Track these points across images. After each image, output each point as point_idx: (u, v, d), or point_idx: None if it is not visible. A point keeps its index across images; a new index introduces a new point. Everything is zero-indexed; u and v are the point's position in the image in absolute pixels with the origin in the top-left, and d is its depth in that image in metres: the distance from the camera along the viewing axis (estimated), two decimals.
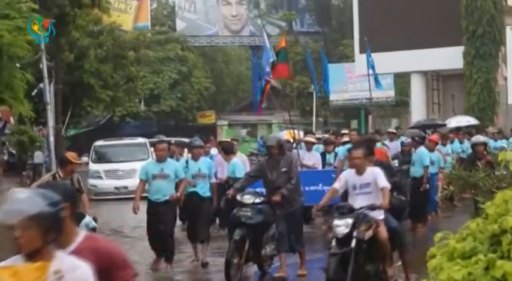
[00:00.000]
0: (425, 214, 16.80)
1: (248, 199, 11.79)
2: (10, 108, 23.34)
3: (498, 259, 3.49)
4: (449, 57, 33.24)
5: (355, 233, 9.44)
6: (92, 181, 27.93)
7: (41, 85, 27.07)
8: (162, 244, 12.90)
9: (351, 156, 10.38)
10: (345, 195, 10.92)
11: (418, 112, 36.02)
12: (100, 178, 28.26)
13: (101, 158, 29.46)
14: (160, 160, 12.93)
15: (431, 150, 17.64)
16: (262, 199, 11.79)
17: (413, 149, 17.03)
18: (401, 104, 47.53)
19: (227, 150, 16.73)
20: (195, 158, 13.68)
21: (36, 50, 24.73)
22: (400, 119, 45.81)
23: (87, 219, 11.51)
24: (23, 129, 38.68)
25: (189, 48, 58.61)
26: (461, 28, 33.13)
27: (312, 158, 17.53)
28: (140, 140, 31.27)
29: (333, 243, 9.57)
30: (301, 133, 23.13)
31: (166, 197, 12.58)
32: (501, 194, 3.84)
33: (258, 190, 17.13)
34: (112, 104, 41.18)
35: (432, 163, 17.31)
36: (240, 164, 16.05)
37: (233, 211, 11.91)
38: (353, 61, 39.87)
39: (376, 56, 35.19)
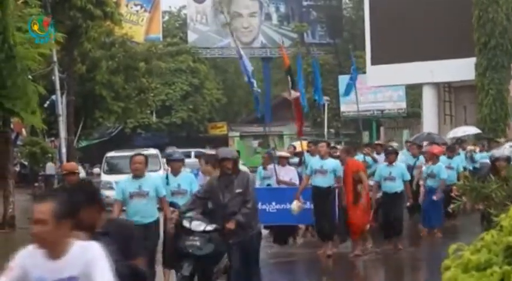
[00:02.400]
0: (400, 232, 15.61)
1: (197, 225, 9.92)
2: (22, 120, 23.42)
3: None
4: (461, 69, 33.19)
5: None
6: (103, 192, 27.94)
7: (53, 97, 27.21)
8: None
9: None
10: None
11: (429, 124, 35.95)
12: (112, 188, 28.14)
13: (112, 169, 29.45)
14: (136, 175, 11.02)
15: (432, 162, 17.08)
16: (214, 226, 9.88)
17: (387, 163, 15.79)
18: (413, 115, 47.48)
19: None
20: (175, 172, 12.08)
21: (49, 62, 24.86)
22: (412, 130, 45.71)
23: None
24: (35, 140, 38.80)
25: (200, 60, 58.75)
26: (473, 40, 33.10)
27: (288, 173, 16.34)
28: (152, 151, 31.30)
29: None
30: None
31: (150, 220, 10.85)
32: None
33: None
34: (124, 115, 41.27)
35: (433, 176, 16.80)
36: None
37: (179, 241, 10.08)
38: (364, 73, 39.82)
39: (388, 68, 35.32)
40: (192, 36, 59.75)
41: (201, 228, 9.83)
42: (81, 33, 30.85)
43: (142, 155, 11.44)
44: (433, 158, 17.22)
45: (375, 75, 36.73)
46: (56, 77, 25.53)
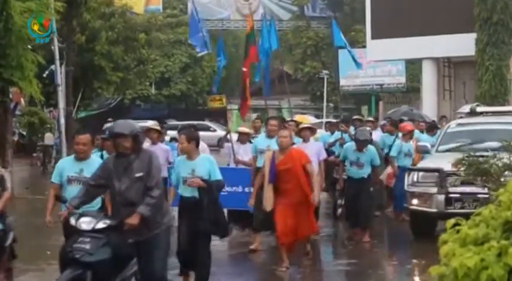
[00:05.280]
0: (370, 218, 14.50)
1: (86, 223, 7.86)
2: (20, 90, 23.40)
3: (511, 246, 3.48)
4: (461, 44, 33.09)
5: None
6: None
7: (52, 67, 27.11)
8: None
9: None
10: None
11: (429, 99, 35.92)
12: None
13: None
14: (80, 157, 9.25)
15: (405, 140, 16.10)
16: (108, 222, 7.89)
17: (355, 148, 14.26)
18: (412, 90, 47.46)
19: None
20: (110, 152, 10.19)
21: None
22: (411, 105, 45.76)
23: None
24: (34, 110, 38.80)
25: None
26: (474, 15, 32.98)
27: (248, 153, 14.15)
28: (151, 123, 31.32)
29: None
30: (312, 118, 22.81)
31: (92, 209, 8.68)
32: None
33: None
34: (122, 86, 41.24)
35: (410, 155, 15.95)
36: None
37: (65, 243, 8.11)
38: (364, 47, 39.73)
39: (388, 42, 35.21)
40: (192, 8, 59.55)
41: (91, 226, 7.83)
42: (81, 3, 30.71)
43: (88, 133, 9.56)
44: (407, 135, 16.26)
45: (375, 49, 36.62)
46: (55, 47, 25.42)
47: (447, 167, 12.94)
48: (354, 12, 55.02)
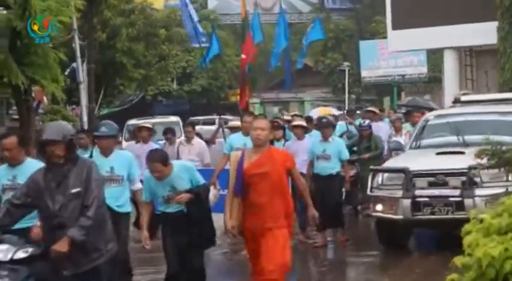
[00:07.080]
0: (342, 218, 13.22)
1: (4, 252, 6.67)
2: (42, 88, 23.56)
3: None
4: (482, 33, 32.89)
5: None
6: None
7: (74, 64, 27.27)
8: None
9: None
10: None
11: (451, 88, 35.69)
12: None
13: (133, 137, 29.61)
14: (11, 162, 8.07)
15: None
16: (30, 250, 6.70)
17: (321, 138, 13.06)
18: (434, 80, 47.27)
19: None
20: (105, 152, 9.22)
21: (69, 29, 24.89)
22: (433, 95, 45.54)
23: None
24: (56, 108, 38.96)
25: (220, 27, 58.66)
26: (496, 3, 32.80)
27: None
28: (173, 118, 31.47)
29: None
30: (334, 110, 22.69)
31: (31, 223, 7.32)
32: None
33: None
34: (144, 82, 41.37)
35: None
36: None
37: None
38: (385, 38, 39.60)
39: (409, 33, 35.03)
40: (211, 3, 59.59)
41: (8, 256, 6.60)
42: (101, 1, 30.86)
43: (14, 135, 8.39)
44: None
45: (396, 40, 36.44)
46: (77, 45, 25.60)
47: (414, 166, 11.69)
48: (374, 3, 54.87)
